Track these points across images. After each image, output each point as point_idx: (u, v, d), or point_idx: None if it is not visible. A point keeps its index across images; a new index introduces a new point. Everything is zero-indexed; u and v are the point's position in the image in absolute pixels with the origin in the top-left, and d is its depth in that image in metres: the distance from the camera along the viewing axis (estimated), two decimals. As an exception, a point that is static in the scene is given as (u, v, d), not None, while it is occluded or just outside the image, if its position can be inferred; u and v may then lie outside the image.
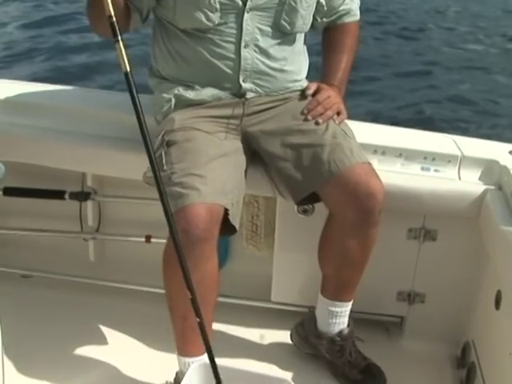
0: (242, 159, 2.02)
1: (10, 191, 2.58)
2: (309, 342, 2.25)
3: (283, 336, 2.37)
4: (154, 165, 1.56)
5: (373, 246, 2.04)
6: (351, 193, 1.92)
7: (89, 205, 2.67)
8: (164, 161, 1.89)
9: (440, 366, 2.32)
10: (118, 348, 2.31)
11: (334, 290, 2.15)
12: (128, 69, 1.53)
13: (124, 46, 1.53)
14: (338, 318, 2.17)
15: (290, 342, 2.34)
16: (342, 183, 1.93)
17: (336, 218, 2.04)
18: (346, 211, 1.98)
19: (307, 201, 2.06)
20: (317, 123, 2.02)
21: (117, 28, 1.53)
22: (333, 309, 2.15)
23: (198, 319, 1.63)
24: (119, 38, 1.53)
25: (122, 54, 1.52)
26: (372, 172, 1.97)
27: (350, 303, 2.16)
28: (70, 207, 2.65)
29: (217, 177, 1.85)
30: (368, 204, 1.93)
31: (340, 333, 2.18)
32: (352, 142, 2.01)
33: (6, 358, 1.92)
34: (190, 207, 1.75)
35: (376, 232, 2.02)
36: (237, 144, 2.04)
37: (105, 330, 2.41)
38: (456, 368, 2.31)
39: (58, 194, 2.59)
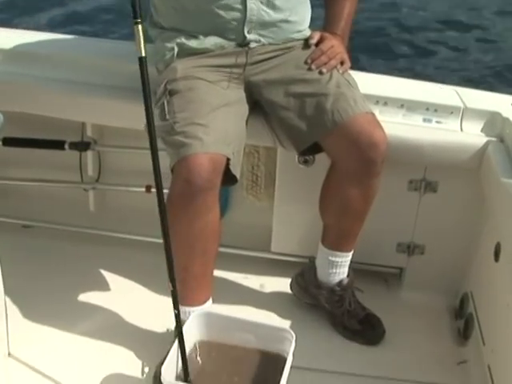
0: (244, 108, 2.01)
1: (9, 141, 2.56)
2: (308, 291, 2.27)
3: (283, 286, 2.38)
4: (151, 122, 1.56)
5: (374, 196, 2.04)
6: (354, 142, 1.91)
7: (89, 155, 2.66)
8: (166, 110, 1.88)
9: (438, 317, 2.35)
10: (118, 297, 2.33)
11: (335, 239, 2.16)
12: (143, 54, 1.50)
13: (143, 29, 1.49)
14: (338, 268, 2.18)
15: (289, 291, 2.35)
16: (345, 133, 1.92)
17: (338, 168, 2.03)
18: (348, 161, 1.97)
19: (309, 151, 2.05)
20: (320, 73, 2.00)
21: (138, 9, 1.48)
22: (333, 259, 2.16)
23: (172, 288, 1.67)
24: (139, 20, 1.48)
25: (139, 38, 1.49)
26: (375, 122, 1.96)
27: (351, 253, 2.17)
28: (69, 157, 2.64)
29: (219, 126, 1.84)
30: (370, 154, 1.92)
31: (340, 283, 2.19)
32: (355, 91, 2.00)
33: (8, 308, 1.94)
34: (192, 157, 1.74)
35: (378, 182, 2.02)
36: (240, 93, 2.02)
37: (105, 279, 2.42)
38: (454, 319, 2.33)
39: (57, 144, 2.58)
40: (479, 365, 2.00)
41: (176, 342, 1.73)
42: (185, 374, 1.73)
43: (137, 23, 1.49)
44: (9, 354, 2.00)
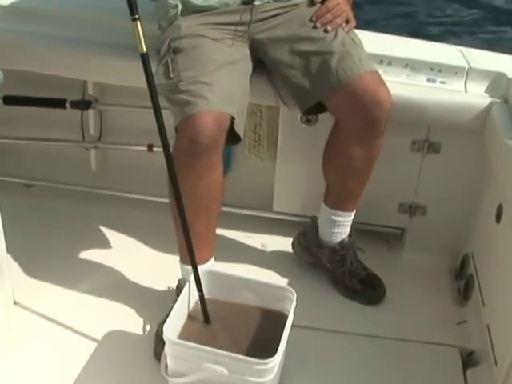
0: (248, 67, 1.99)
1: (10, 100, 2.55)
2: (310, 251, 2.28)
3: (284, 245, 2.39)
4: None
5: (377, 156, 2.04)
6: (359, 101, 1.90)
7: (90, 113, 2.65)
8: (170, 68, 1.86)
9: (439, 278, 2.36)
10: (120, 255, 2.34)
11: (337, 199, 2.16)
12: (145, 50, 1.49)
13: (141, 26, 1.47)
14: (340, 227, 2.18)
15: (291, 251, 2.37)
16: (350, 91, 1.90)
17: (342, 127, 2.02)
18: (352, 120, 1.96)
19: (312, 111, 2.04)
20: (325, 31, 1.97)
21: (135, 5, 1.46)
22: (335, 218, 2.17)
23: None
24: (137, 16, 1.47)
25: (139, 35, 1.47)
26: (380, 81, 1.94)
27: (353, 213, 2.18)
28: (71, 116, 2.62)
29: (224, 85, 1.82)
30: (375, 113, 1.91)
31: (341, 242, 2.20)
32: (361, 50, 1.98)
33: (10, 266, 1.95)
34: (197, 116, 1.73)
35: (382, 142, 2.01)
36: (244, 51, 1.99)
37: (107, 237, 2.43)
38: (454, 279, 2.35)
39: (58, 103, 2.57)
40: (478, 325, 2.01)
41: (178, 299, 1.74)
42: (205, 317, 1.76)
43: (135, 20, 1.47)
44: (12, 310, 2.02)
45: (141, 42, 1.48)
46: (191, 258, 1.71)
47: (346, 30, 2.00)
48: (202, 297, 1.74)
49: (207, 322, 1.77)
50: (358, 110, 1.92)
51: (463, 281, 2.26)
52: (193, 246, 1.70)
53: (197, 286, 1.74)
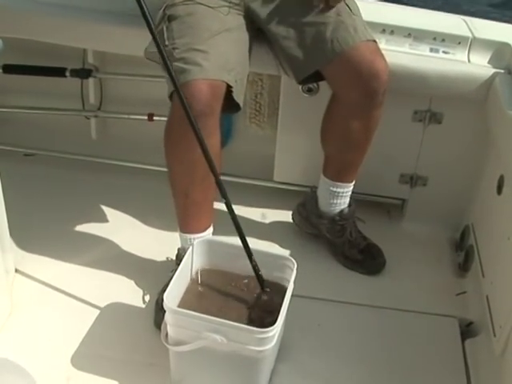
0: (245, 36, 1.96)
1: (9, 68, 2.54)
2: (310, 221, 2.28)
3: (284, 215, 2.40)
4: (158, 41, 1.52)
5: (376, 127, 2.02)
6: (354, 72, 1.89)
7: (90, 82, 2.64)
8: (166, 36, 1.84)
9: (439, 249, 2.36)
10: (120, 225, 2.34)
11: (336, 170, 2.16)
12: None
13: None
14: (339, 198, 2.18)
15: (291, 221, 2.37)
16: (346, 62, 1.88)
17: (339, 99, 2.01)
18: (349, 91, 1.95)
19: (311, 79, 2.02)
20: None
21: None
22: (334, 189, 2.17)
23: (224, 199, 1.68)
24: None
25: None
26: (377, 51, 1.92)
27: (352, 184, 2.17)
28: (71, 85, 2.61)
29: (219, 52, 1.80)
30: (372, 84, 1.89)
31: (341, 213, 2.20)
32: (357, 19, 1.94)
33: (11, 235, 1.95)
34: (192, 83, 1.72)
35: (379, 114, 1.99)
36: (240, 20, 1.96)
37: (107, 207, 2.43)
38: (454, 251, 2.35)
39: (58, 72, 2.56)
40: (477, 296, 2.02)
41: (178, 268, 1.74)
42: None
43: None
44: (13, 280, 2.03)
45: None
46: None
47: None
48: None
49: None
50: (355, 82, 1.91)
51: (463, 252, 2.27)
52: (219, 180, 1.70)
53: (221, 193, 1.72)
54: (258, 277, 1.76)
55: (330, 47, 1.89)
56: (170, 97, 1.80)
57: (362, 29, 1.92)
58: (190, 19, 1.86)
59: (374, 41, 1.94)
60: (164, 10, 1.90)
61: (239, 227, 1.70)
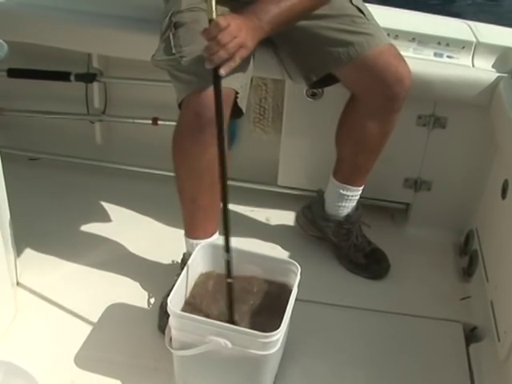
0: None
1: (14, 72, 2.54)
2: (315, 224, 2.28)
3: (289, 219, 2.41)
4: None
5: (391, 132, 2.03)
6: (379, 76, 1.90)
7: (95, 86, 2.64)
8: (172, 43, 1.84)
9: (443, 253, 2.36)
10: (124, 229, 2.34)
11: (348, 173, 2.15)
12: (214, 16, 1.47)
13: None
14: (348, 201, 2.18)
15: (295, 225, 2.37)
16: (369, 65, 1.89)
17: (359, 101, 2.01)
18: (371, 95, 1.95)
19: (318, 84, 2.02)
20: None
21: None
22: (344, 192, 2.16)
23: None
24: None
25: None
26: (400, 55, 1.93)
27: (361, 189, 2.17)
28: (75, 89, 2.62)
29: None
30: (395, 88, 1.91)
31: (348, 216, 2.20)
32: (371, 23, 1.95)
33: (15, 239, 1.96)
34: (202, 91, 1.72)
35: (397, 118, 2.00)
36: None
37: (112, 211, 2.43)
38: (458, 255, 2.35)
39: (63, 76, 2.56)
40: (482, 301, 2.02)
41: (183, 272, 1.74)
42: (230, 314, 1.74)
43: None
44: (17, 283, 2.03)
45: (211, 8, 1.46)
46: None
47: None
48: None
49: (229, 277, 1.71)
50: (378, 86, 1.91)
51: (467, 256, 2.27)
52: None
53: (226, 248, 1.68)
54: (229, 272, 1.70)
55: (346, 51, 1.89)
56: (180, 105, 1.80)
57: (378, 33, 1.93)
58: (196, 26, 1.85)
59: (392, 44, 1.94)
60: (170, 17, 1.90)
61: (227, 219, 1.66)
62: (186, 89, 1.76)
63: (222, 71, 1.52)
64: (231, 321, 1.70)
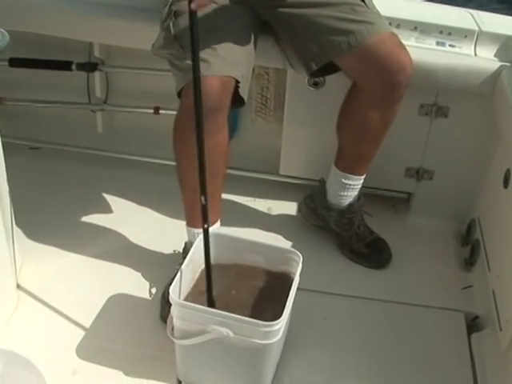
0: (252, 29, 1.95)
1: (16, 62, 2.53)
2: (317, 213, 2.28)
3: (290, 208, 2.41)
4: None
5: (393, 121, 2.02)
6: (380, 65, 1.89)
7: (96, 76, 2.63)
8: (172, 32, 1.84)
9: (445, 243, 2.36)
10: (126, 218, 2.35)
11: (349, 162, 2.15)
12: None
13: None
14: (350, 190, 2.18)
15: (297, 214, 2.38)
16: (371, 54, 1.88)
17: (361, 90, 2.00)
18: (373, 83, 1.94)
19: (320, 73, 2.02)
20: None
21: None
22: (345, 181, 2.16)
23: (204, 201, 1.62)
24: None
25: None
26: (401, 43, 1.92)
27: (363, 177, 2.17)
28: (77, 78, 2.61)
29: (227, 48, 1.80)
30: (397, 77, 1.90)
31: (350, 205, 2.20)
32: (373, 11, 1.94)
33: (15, 229, 1.96)
34: (202, 79, 1.72)
35: (398, 108, 1.99)
36: (247, 13, 1.96)
37: (113, 200, 2.43)
38: (460, 245, 2.35)
39: (64, 65, 2.55)
40: (484, 290, 2.02)
41: (184, 262, 1.74)
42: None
43: None
44: (19, 274, 2.03)
45: None
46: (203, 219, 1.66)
47: None
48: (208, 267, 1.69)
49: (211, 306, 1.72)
50: (380, 74, 1.91)
51: (469, 246, 2.27)
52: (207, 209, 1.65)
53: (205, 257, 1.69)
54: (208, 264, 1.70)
55: (346, 39, 1.88)
56: (179, 94, 1.80)
57: (379, 21, 1.91)
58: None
59: (393, 33, 1.93)
60: (170, 5, 1.89)
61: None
62: (185, 77, 1.75)
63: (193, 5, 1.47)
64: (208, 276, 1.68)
